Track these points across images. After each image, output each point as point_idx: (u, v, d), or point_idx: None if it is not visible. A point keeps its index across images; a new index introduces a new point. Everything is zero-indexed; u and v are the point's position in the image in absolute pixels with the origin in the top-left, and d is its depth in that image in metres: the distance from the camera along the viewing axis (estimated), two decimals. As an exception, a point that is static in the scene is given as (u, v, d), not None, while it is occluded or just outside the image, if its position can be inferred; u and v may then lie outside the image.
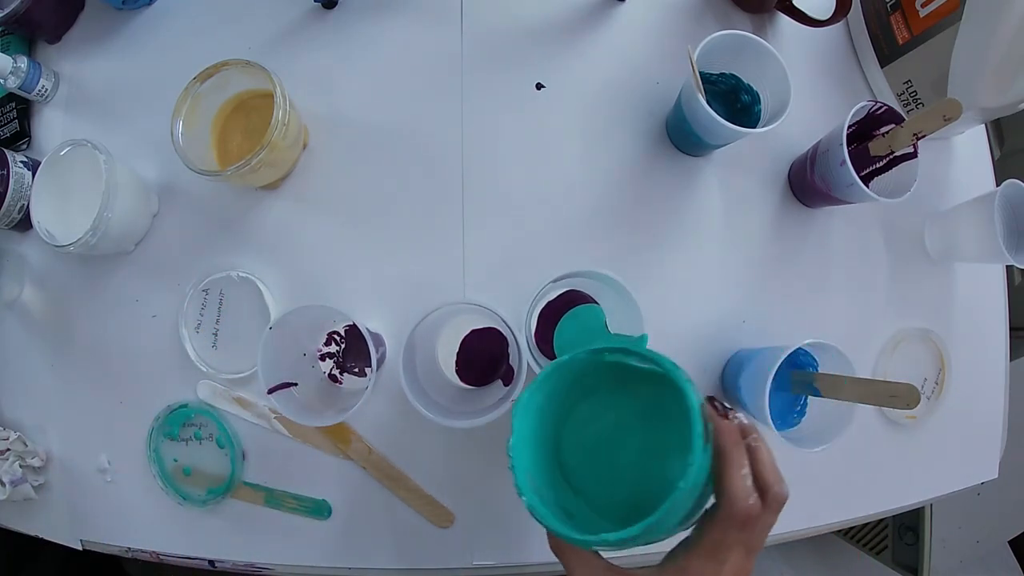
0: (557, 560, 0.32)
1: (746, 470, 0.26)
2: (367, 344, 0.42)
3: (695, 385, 0.28)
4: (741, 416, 0.28)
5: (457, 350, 0.51)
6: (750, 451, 0.27)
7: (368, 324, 0.46)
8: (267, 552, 0.53)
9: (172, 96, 0.47)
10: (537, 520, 0.29)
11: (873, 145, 0.48)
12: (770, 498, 0.27)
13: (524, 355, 0.41)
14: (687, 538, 0.30)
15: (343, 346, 0.51)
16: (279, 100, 0.46)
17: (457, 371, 0.50)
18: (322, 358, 0.51)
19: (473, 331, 0.51)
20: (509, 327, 0.41)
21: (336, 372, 0.51)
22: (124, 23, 0.58)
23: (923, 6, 0.51)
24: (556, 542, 0.32)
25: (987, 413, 0.62)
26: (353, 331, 0.50)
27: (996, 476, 0.62)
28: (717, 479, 0.27)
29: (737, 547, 0.26)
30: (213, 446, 0.53)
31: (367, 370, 0.50)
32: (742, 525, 0.25)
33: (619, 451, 0.36)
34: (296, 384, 0.45)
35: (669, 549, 0.31)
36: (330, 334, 0.51)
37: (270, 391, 0.42)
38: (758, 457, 0.27)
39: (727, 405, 0.29)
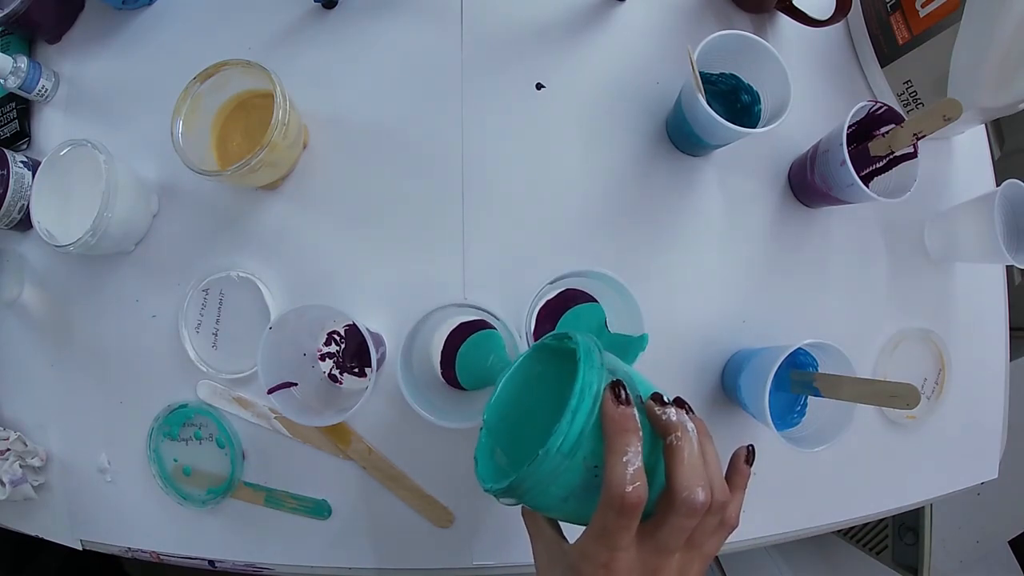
0: None
1: (628, 457, 0.25)
2: (367, 344, 0.42)
3: (604, 370, 0.28)
4: (672, 412, 0.28)
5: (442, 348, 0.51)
6: (669, 450, 0.27)
7: (368, 324, 0.46)
8: (267, 552, 0.53)
9: (172, 96, 0.47)
10: (478, 477, 0.32)
11: (873, 145, 0.48)
12: (678, 502, 0.26)
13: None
14: None
15: (343, 346, 0.51)
16: (279, 100, 0.46)
17: (443, 372, 0.50)
18: (322, 358, 0.51)
19: (461, 324, 0.50)
20: (508, 327, 0.41)
21: (336, 372, 0.51)
22: (124, 23, 0.58)
23: (923, 6, 0.51)
24: (524, 511, 0.33)
25: (987, 413, 0.62)
26: (353, 331, 0.50)
27: (996, 476, 0.62)
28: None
29: (623, 533, 0.26)
30: (213, 446, 0.53)
31: (367, 370, 0.50)
32: (620, 512, 0.25)
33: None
34: (296, 384, 0.45)
35: None
36: (330, 334, 0.51)
37: (270, 391, 0.42)
38: (677, 457, 0.27)
39: (668, 400, 0.29)
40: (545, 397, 0.37)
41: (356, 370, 0.51)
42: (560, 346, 0.34)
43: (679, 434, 0.27)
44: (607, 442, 0.26)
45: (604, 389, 0.27)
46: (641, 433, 0.26)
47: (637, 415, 0.27)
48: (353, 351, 0.51)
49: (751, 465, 0.31)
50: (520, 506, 0.32)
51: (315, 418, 0.43)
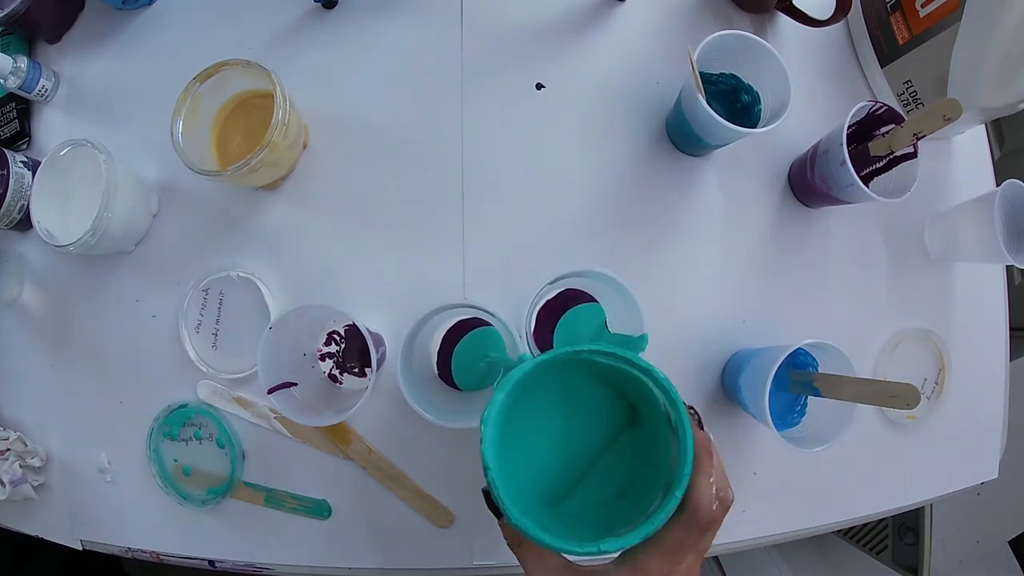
0: None
1: (713, 478, 0.27)
2: (367, 344, 0.42)
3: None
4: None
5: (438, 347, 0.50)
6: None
7: (368, 324, 0.46)
8: (267, 552, 0.53)
9: (172, 96, 0.47)
10: (520, 530, 0.28)
11: (873, 145, 0.48)
12: (724, 503, 0.28)
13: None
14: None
15: (343, 346, 0.51)
16: (279, 100, 0.46)
17: (439, 373, 0.50)
18: (322, 358, 0.51)
19: (456, 323, 0.50)
20: (508, 327, 0.41)
21: (336, 372, 0.51)
22: (124, 23, 0.58)
23: (923, 6, 0.51)
24: (512, 536, 0.31)
25: (987, 413, 0.62)
26: (353, 331, 0.50)
27: (996, 476, 0.62)
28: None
29: (694, 550, 0.27)
30: (213, 446, 0.53)
31: (367, 370, 0.50)
32: (703, 530, 0.27)
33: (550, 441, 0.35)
34: (296, 384, 0.45)
35: None
36: (330, 334, 0.51)
37: (270, 391, 0.42)
38: (716, 460, 0.29)
39: (693, 408, 0.31)
40: (544, 414, 0.35)
41: (356, 370, 0.51)
42: (609, 363, 0.31)
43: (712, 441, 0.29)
44: (697, 464, 0.27)
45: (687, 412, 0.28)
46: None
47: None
48: (353, 351, 0.51)
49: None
50: (501, 528, 0.31)
51: (315, 418, 0.43)
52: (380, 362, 0.45)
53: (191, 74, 0.47)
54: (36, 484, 0.55)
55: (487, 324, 0.49)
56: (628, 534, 0.27)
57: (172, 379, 0.54)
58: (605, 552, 0.27)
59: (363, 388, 0.42)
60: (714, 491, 0.27)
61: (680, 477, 0.27)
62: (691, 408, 0.30)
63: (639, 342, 0.42)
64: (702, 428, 0.29)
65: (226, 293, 0.53)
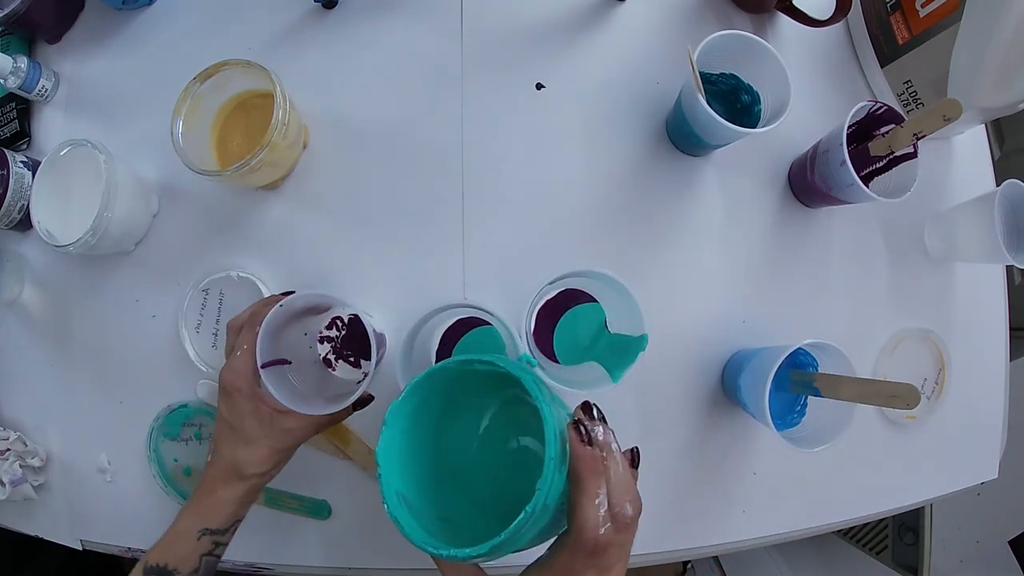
0: None
1: (600, 499, 0.25)
2: (367, 336, 0.41)
3: (560, 404, 0.28)
4: (600, 432, 0.27)
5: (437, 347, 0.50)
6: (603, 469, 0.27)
7: (374, 324, 0.46)
8: (267, 552, 0.53)
9: (172, 96, 0.47)
10: (394, 521, 0.29)
11: (873, 145, 0.48)
12: (619, 520, 0.26)
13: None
14: (540, 557, 0.30)
15: (343, 332, 0.51)
16: (279, 100, 0.46)
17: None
18: (321, 340, 0.51)
19: (456, 323, 0.50)
20: (508, 328, 0.41)
21: (331, 357, 0.51)
22: (124, 23, 0.58)
23: (923, 6, 0.51)
24: (443, 564, 0.32)
25: (987, 413, 0.62)
26: (355, 321, 0.50)
27: (996, 476, 0.62)
28: (570, 506, 0.27)
29: (588, 572, 0.26)
30: (213, 446, 0.53)
31: (362, 362, 0.50)
32: (591, 553, 0.25)
33: (497, 452, 0.38)
34: (290, 363, 0.45)
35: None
36: (334, 319, 0.51)
37: (263, 366, 0.41)
38: (609, 476, 0.27)
39: (596, 415, 0.28)
40: (438, 425, 0.36)
41: (351, 359, 0.51)
42: (488, 370, 0.32)
43: (606, 453, 0.27)
44: (579, 485, 0.26)
45: (568, 428, 0.27)
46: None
47: (598, 453, 0.26)
48: (352, 340, 0.51)
49: (636, 468, 0.31)
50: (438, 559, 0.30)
51: (303, 404, 0.42)
52: (379, 361, 0.44)
53: (191, 74, 0.47)
54: (36, 484, 0.55)
55: (487, 324, 0.49)
56: (478, 545, 0.26)
57: (172, 379, 0.54)
58: (455, 557, 0.27)
59: (355, 380, 0.42)
60: (602, 512, 0.25)
61: (536, 492, 0.25)
62: (588, 414, 0.28)
63: (639, 342, 0.42)
64: (591, 443, 0.26)
65: (226, 293, 0.53)
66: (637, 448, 0.31)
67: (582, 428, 0.27)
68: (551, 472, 0.25)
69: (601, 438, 0.27)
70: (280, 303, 0.41)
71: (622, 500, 0.26)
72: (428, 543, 0.28)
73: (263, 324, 0.40)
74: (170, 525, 0.40)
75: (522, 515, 0.25)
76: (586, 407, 0.28)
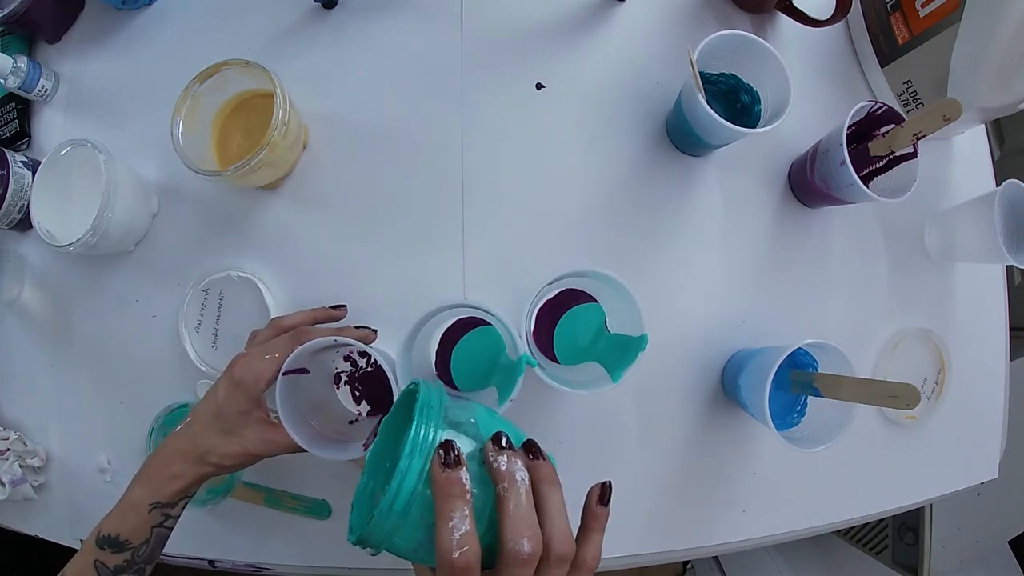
0: None
1: (454, 523, 0.25)
2: (382, 389, 0.41)
3: (441, 426, 0.28)
4: (503, 461, 0.27)
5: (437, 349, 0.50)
6: (498, 500, 0.27)
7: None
8: (267, 552, 0.53)
9: (172, 96, 0.47)
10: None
11: (873, 145, 0.48)
12: (504, 553, 0.26)
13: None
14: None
15: (367, 370, 0.50)
16: (279, 100, 0.46)
17: (439, 374, 0.50)
18: (346, 358, 0.50)
19: (455, 323, 0.50)
20: (508, 328, 0.41)
21: (343, 375, 0.50)
22: (124, 23, 0.58)
23: (923, 6, 0.51)
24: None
25: (987, 413, 0.62)
26: (382, 373, 0.50)
27: (996, 476, 0.62)
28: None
29: None
30: (213, 446, 0.53)
31: (362, 402, 0.49)
32: (457, 575, 0.25)
33: None
34: (308, 372, 0.45)
35: None
36: (371, 357, 0.49)
37: (284, 373, 0.41)
38: (503, 508, 0.26)
39: (505, 443, 0.28)
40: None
41: (356, 394, 0.50)
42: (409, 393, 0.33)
43: (506, 484, 0.27)
44: (436, 506, 0.26)
45: (435, 449, 0.27)
46: (470, 496, 0.26)
47: (464, 476, 0.26)
48: (368, 379, 0.50)
49: (607, 503, 0.30)
50: None
51: (295, 429, 0.41)
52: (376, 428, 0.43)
53: (191, 74, 0.47)
54: (36, 484, 0.55)
55: (487, 324, 0.49)
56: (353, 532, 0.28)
57: (172, 379, 0.54)
58: (352, 541, 0.29)
59: (350, 413, 0.43)
60: (456, 536, 0.25)
61: (385, 493, 0.26)
62: (496, 443, 0.27)
63: (639, 342, 0.42)
64: (453, 465, 0.26)
65: (226, 293, 0.53)
66: (609, 483, 0.30)
67: (451, 452, 0.26)
68: (399, 479, 0.26)
69: (504, 468, 0.27)
70: (335, 338, 0.42)
71: (517, 536, 0.26)
72: (352, 529, 0.30)
73: (304, 347, 0.40)
74: (123, 494, 0.41)
75: (377, 511, 0.26)
76: (496, 436, 0.28)
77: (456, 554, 0.25)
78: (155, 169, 0.56)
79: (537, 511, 0.27)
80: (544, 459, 0.29)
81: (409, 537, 0.27)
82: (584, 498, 0.30)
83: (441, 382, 0.33)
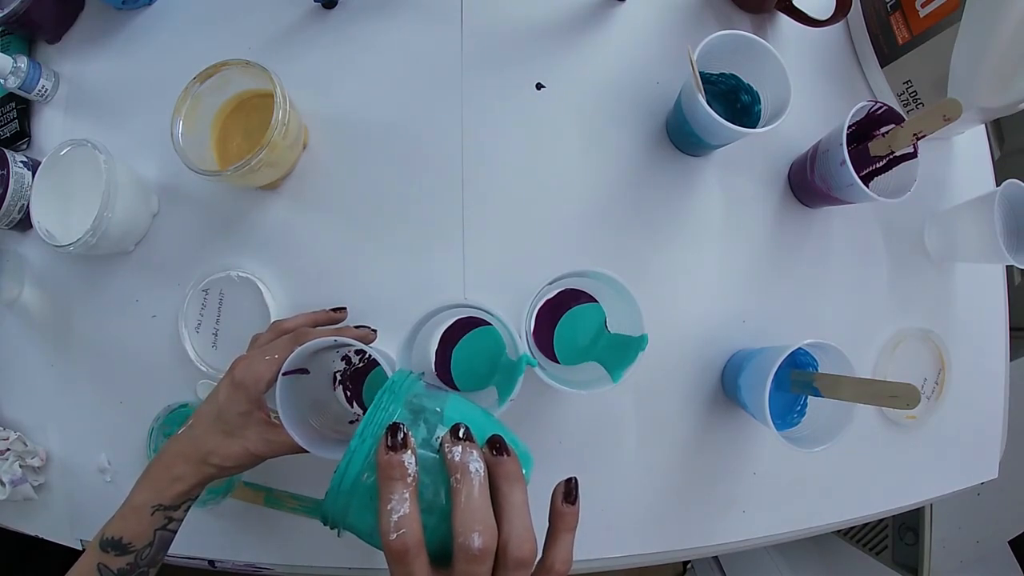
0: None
1: (392, 505, 0.25)
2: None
3: (400, 411, 0.28)
4: (457, 452, 0.26)
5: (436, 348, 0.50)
6: (451, 492, 0.26)
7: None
8: (267, 552, 0.53)
9: (172, 96, 0.47)
10: None
11: (873, 145, 0.48)
12: (455, 547, 0.25)
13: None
14: None
15: (359, 367, 0.51)
16: (279, 100, 0.46)
17: (439, 374, 0.50)
18: (344, 358, 0.51)
19: (455, 323, 0.50)
20: (508, 328, 0.41)
21: (339, 375, 0.51)
22: (124, 23, 0.58)
23: (923, 6, 0.51)
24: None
25: (987, 413, 0.62)
26: (367, 362, 0.50)
27: (996, 476, 0.62)
28: None
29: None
30: (213, 446, 0.53)
31: (353, 403, 0.50)
32: (393, 559, 0.25)
33: None
34: (308, 372, 0.45)
35: None
36: (368, 356, 0.50)
37: (284, 373, 0.42)
38: (455, 499, 0.26)
39: (463, 435, 0.27)
40: None
41: (348, 392, 0.51)
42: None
43: (459, 476, 0.26)
44: (379, 488, 0.26)
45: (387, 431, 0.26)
46: (411, 480, 0.26)
47: (407, 459, 0.26)
48: (355, 376, 0.51)
49: (574, 502, 0.28)
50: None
51: (295, 429, 0.42)
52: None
53: (191, 74, 0.47)
54: (36, 484, 0.55)
55: (487, 324, 0.49)
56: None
57: (172, 379, 0.54)
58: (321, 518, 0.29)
59: (349, 413, 0.42)
60: (394, 518, 0.24)
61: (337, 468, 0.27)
62: (454, 434, 0.27)
63: (639, 342, 0.42)
64: (398, 448, 0.26)
65: (226, 293, 0.53)
66: (575, 479, 0.29)
67: (397, 435, 0.26)
68: (347, 459, 0.27)
69: (457, 459, 0.26)
70: (335, 338, 0.42)
71: (467, 529, 0.25)
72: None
73: (303, 347, 0.40)
74: (127, 496, 0.41)
75: (328, 490, 0.26)
76: (455, 428, 0.27)
77: (393, 536, 0.24)
78: (155, 169, 0.56)
79: (496, 509, 0.26)
80: (509, 455, 0.27)
81: (362, 519, 0.27)
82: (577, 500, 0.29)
83: (426, 373, 0.33)
